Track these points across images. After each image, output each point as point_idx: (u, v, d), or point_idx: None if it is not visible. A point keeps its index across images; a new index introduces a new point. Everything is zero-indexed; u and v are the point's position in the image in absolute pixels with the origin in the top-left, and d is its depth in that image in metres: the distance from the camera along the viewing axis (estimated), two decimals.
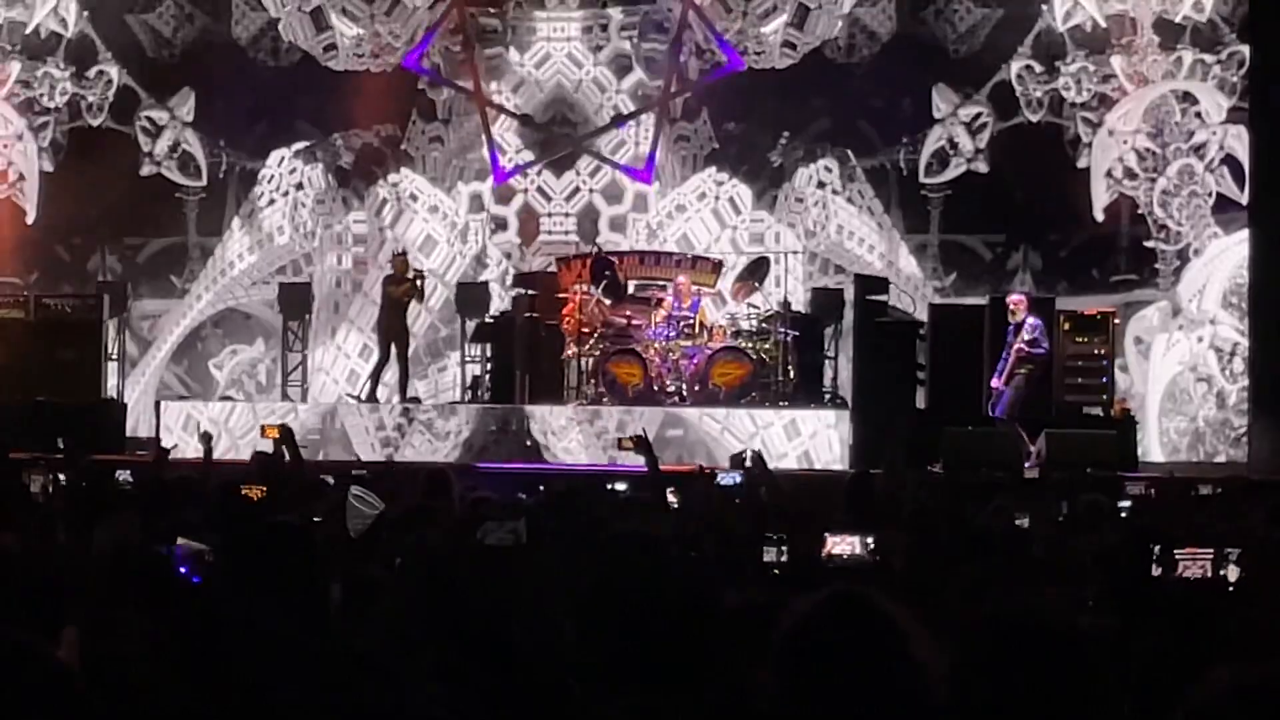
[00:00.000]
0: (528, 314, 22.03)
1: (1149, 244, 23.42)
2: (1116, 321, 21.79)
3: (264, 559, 5.38)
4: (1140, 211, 23.38)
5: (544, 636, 4.95)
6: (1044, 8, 23.91)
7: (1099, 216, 23.48)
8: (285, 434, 12.85)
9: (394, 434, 21.58)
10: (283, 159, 25.40)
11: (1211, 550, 7.20)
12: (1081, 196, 23.52)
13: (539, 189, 25.02)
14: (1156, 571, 7.40)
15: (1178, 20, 23.20)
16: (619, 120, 24.44)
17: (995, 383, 20.30)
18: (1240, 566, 7.22)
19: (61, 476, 12.12)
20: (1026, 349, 20.02)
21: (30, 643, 3.48)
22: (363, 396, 22.43)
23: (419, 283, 22.28)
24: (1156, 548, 7.64)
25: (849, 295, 22.65)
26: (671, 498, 11.23)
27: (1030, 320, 20.17)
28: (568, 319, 21.27)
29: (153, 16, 25.43)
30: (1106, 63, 23.70)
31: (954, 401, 20.91)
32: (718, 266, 23.03)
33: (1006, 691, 3.64)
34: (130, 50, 25.44)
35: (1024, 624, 3.79)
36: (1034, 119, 23.65)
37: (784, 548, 7.66)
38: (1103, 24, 23.60)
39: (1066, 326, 21.29)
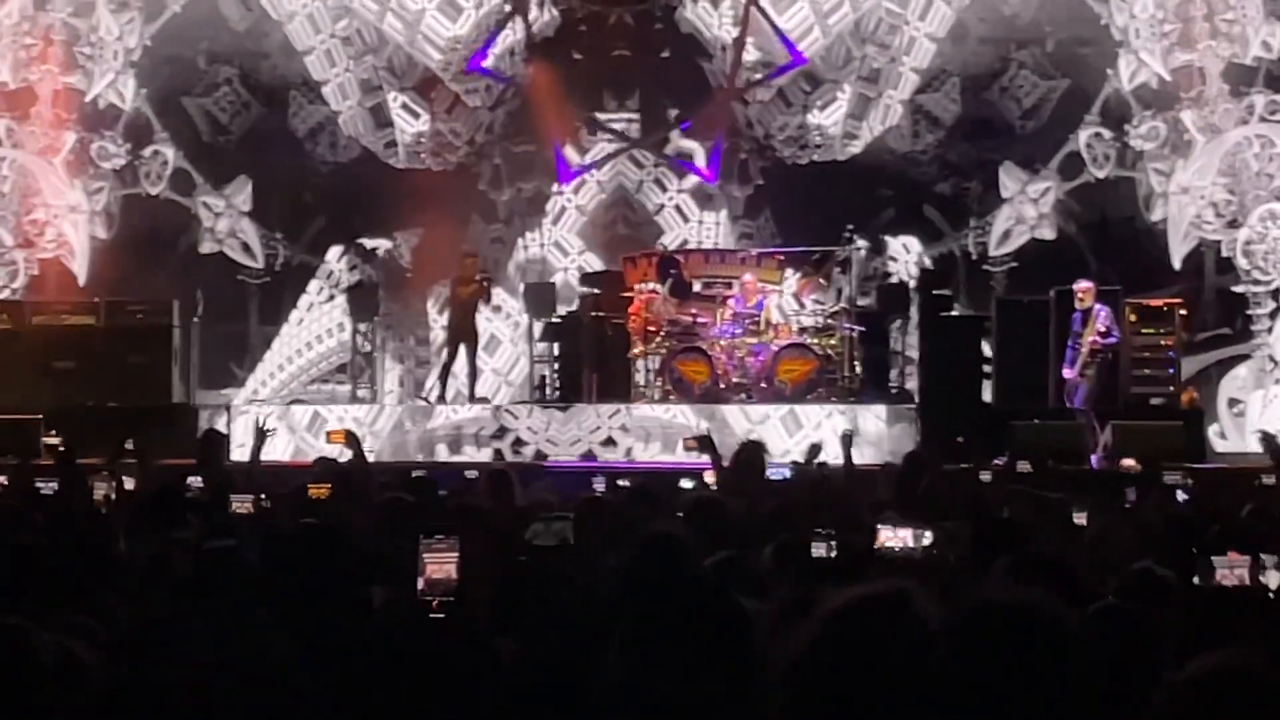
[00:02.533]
0: (594, 313, 22.21)
1: (1238, 289, 23.58)
2: (1183, 313, 21.56)
3: (306, 562, 5.44)
4: (1225, 255, 23.79)
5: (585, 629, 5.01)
6: (1109, 72, 24.46)
7: (1177, 266, 23.89)
8: (350, 438, 12.96)
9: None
10: (342, 255, 25.79)
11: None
12: (1158, 251, 24.02)
13: None
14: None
15: (1248, 63, 22.97)
16: (682, 121, 24.46)
17: (1067, 373, 20.20)
18: None
19: (128, 481, 12.16)
20: (1100, 340, 19.96)
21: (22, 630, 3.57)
22: (432, 399, 22.48)
23: (486, 283, 22.33)
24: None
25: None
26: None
27: (1099, 308, 20.08)
28: (634, 317, 21.50)
29: (209, 101, 26.15)
30: (1176, 118, 24.20)
31: (1021, 394, 20.77)
32: (782, 263, 22.91)
33: (982, 677, 3.67)
34: (186, 133, 26.13)
35: (998, 612, 3.81)
36: (1100, 175, 23.37)
37: (833, 543, 7.63)
38: (1169, 79, 24.15)
39: (1133, 318, 21.31)
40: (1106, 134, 24.40)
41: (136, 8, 25.65)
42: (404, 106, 26.01)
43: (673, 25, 25.56)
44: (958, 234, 24.83)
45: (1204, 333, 23.51)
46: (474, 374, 23.25)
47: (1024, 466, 13.84)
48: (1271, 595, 6.74)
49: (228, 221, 25.86)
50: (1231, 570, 6.74)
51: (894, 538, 8.34)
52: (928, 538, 8.31)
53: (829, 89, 25.35)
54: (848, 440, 13.33)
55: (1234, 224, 23.80)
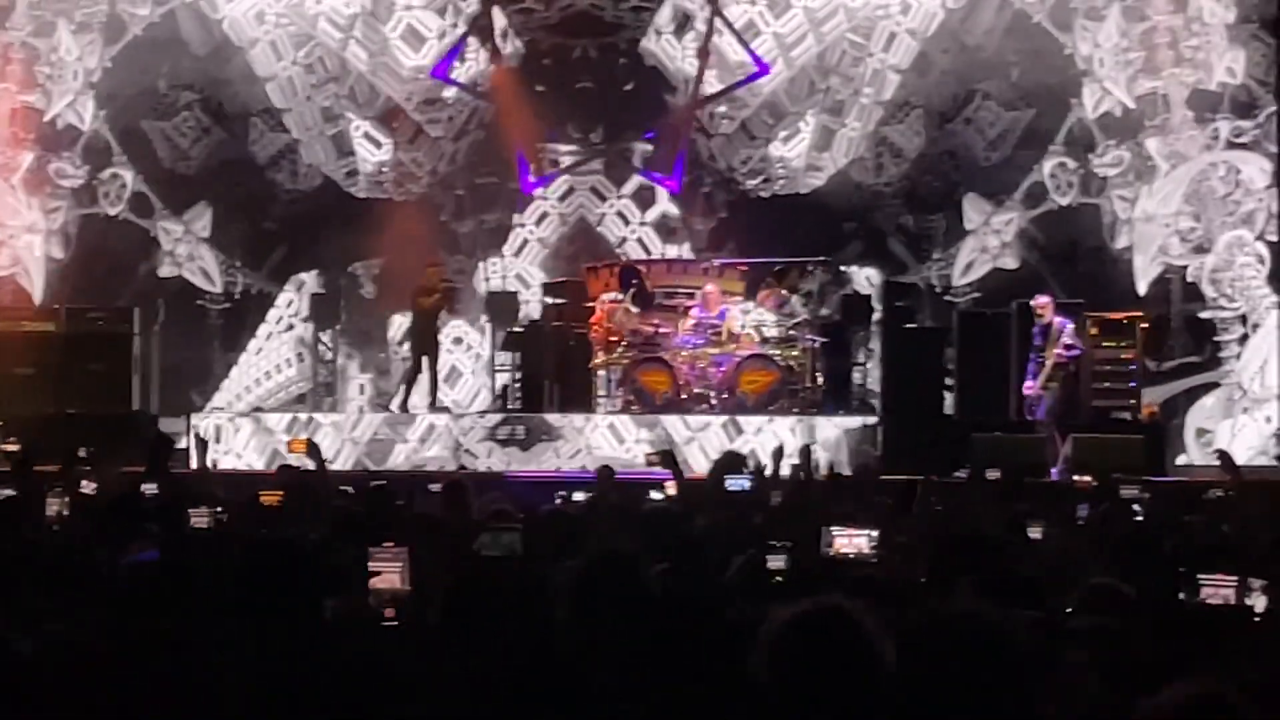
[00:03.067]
0: (556, 323, 22.16)
1: (1204, 315, 23.73)
2: (1144, 326, 21.57)
3: (259, 574, 5.38)
4: (1191, 281, 23.89)
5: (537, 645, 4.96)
6: (1074, 101, 24.57)
7: (1143, 293, 23.91)
8: (311, 447, 12.95)
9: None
10: (301, 285, 25.64)
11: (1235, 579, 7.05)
12: (1123, 278, 24.04)
13: None
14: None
15: (1213, 88, 23.01)
16: (646, 132, 24.41)
17: (1029, 386, 20.20)
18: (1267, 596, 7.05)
19: (84, 488, 12.09)
20: (1064, 354, 19.97)
21: None
22: (394, 407, 22.42)
23: (450, 290, 22.30)
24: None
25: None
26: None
27: (1063, 322, 20.10)
28: (595, 327, 21.44)
29: (169, 126, 25.89)
30: (1140, 146, 24.26)
31: (982, 407, 20.77)
32: (745, 274, 22.89)
33: (938, 688, 3.67)
34: (145, 157, 25.90)
35: (948, 624, 3.80)
36: (1064, 203, 23.60)
37: (787, 556, 7.62)
38: (1133, 106, 24.27)
39: (1094, 331, 21.24)
40: (1071, 163, 24.46)
41: (97, 29, 25.52)
42: (366, 135, 25.89)
43: (637, 58, 25.55)
44: (921, 266, 24.82)
45: (1171, 361, 23.53)
46: (435, 383, 23.32)
47: (993, 474, 13.91)
48: (1257, 619, 6.70)
49: (186, 247, 25.68)
50: (1218, 590, 6.73)
51: (847, 544, 8.38)
52: (879, 541, 8.33)
53: (792, 121, 25.32)
54: (807, 453, 13.36)
55: (1200, 250, 23.88)
